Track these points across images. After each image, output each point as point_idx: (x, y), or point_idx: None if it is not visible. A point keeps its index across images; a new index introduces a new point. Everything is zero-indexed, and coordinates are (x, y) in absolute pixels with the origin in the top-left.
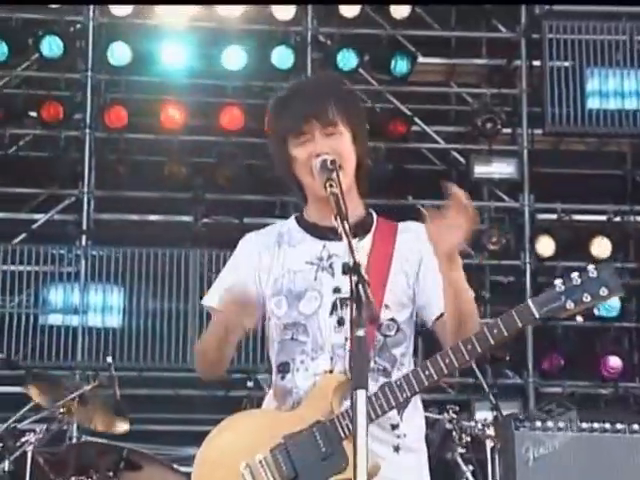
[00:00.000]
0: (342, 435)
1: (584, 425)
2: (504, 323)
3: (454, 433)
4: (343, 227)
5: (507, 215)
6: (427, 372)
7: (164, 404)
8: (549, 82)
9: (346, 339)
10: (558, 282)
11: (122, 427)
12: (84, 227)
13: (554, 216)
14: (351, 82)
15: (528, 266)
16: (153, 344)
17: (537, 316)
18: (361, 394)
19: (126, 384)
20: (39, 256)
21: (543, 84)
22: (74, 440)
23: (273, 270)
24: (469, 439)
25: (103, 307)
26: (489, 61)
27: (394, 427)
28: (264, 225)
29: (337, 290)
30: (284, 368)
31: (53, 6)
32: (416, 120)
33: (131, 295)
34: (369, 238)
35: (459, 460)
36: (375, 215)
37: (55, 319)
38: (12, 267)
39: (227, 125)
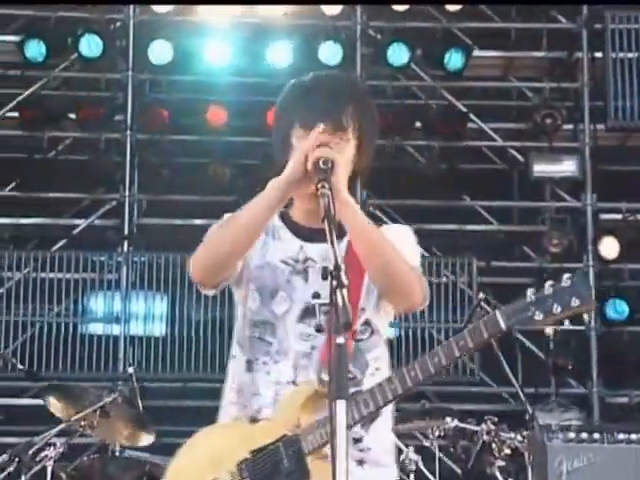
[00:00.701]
0: (306, 451)
1: (620, 436)
2: (470, 334)
3: (493, 445)
4: (330, 231)
5: (569, 215)
6: (391, 385)
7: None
8: (612, 75)
9: (312, 348)
10: (530, 292)
11: (146, 440)
12: (125, 232)
13: (618, 216)
14: (403, 78)
15: (591, 269)
16: (197, 354)
17: (503, 327)
18: (341, 405)
19: (170, 395)
20: (79, 263)
21: (606, 77)
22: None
23: (257, 253)
24: (509, 451)
25: (146, 315)
26: (549, 53)
27: (357, 440)
28: None
29: (316, 296)
30: (248, 366)
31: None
32: (472, 117)
33: (174, 303)
34: (346, 240)
35: (497, 474)
36: None
37: (96, 328)
38: (51, 274)
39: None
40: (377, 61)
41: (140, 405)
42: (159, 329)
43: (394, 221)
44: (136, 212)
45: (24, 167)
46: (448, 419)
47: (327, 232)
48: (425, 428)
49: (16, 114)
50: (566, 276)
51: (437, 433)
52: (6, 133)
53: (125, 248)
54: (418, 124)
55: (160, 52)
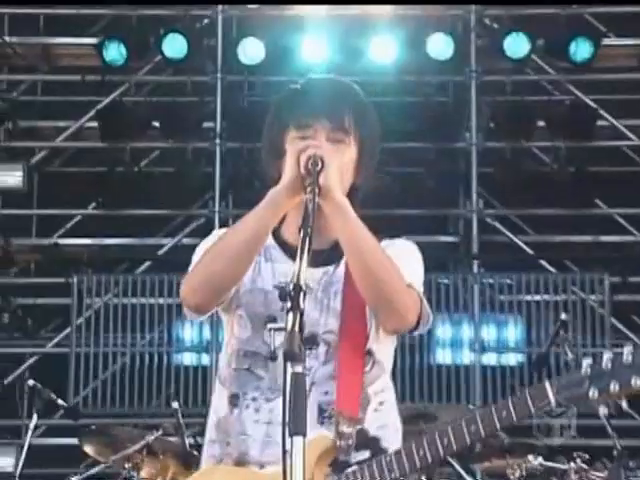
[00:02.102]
0: None
1: None
2: (514, 405)
3: None
4: (302, 241)
5: None
6: (421, 452)
7: None
8: None
9: (312, 384)
10: (585, 363)
11: None
12: None
13: None
14: (523, 72)
15: None
16: None
17: (553, 403)
18: (298, 442)
19: None
20: (163, 286)
21: None
22: None
23: (247, 275)
24: None
25: None
26: None
27: None
28: (424, 245)
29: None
30: (233, 401)
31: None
32: (602, 113)
33: None
34: (343, 264)
35: None
36: None
37: (188, 358)
38: (133, 300)
39: None
40: (494, 53)
41: (187, 441)
42: None
43: (518, 233)
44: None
45: (104, 182)
46: (531, 457)
47: (300, 241)
48: (505, 467)
49: (95, 124)
50: (628, 349)
51: (518, 473)
52: (85, 145)
53: None
54: (541, 123)
55: (251, 51)
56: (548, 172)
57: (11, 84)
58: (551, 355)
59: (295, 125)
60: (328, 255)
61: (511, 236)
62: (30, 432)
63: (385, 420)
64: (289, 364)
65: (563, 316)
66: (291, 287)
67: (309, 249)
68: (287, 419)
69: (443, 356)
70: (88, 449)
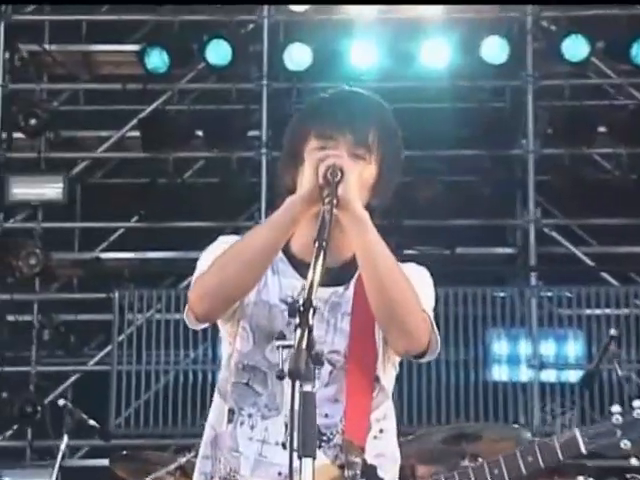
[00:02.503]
0: None
1: None
2: (542, 452)
3: None
4: (316, 255)
5: None
6: None
7: None
8: None
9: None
10: (616, 411)
11: None
12: None
13: None
14: (583, 75)
15: None
16: None
17: (583, 451)
18: (308, 465)
19: None
20: None
21: None
22: None
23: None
24: None
25: None
26: None
27: None
28: (480, 257)
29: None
30: (229, 416)
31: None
32: None
33: None
34: (353, 283)
35: None
36: None
37: None
38: (177, 315)
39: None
40: (551, 57)
41: None
42: None
43: (578, 243)
44: None
45: (147, 193)
46: (581, 478)
47: (314, 254)
48: None
49: (137, 133)
50: None
51: None
52: (126, 155)
53: None
54: (602, 129)
55: (298, 56)
56: (609, 179)
57: (51, 93)
58: (601, 372)
59: (317, 135)
60: (337, 275)
61: (570, 247)
62: (60, 453)
63: (383, 449)
64: (297, 383)
65: (612, 331)
66: (301, 302)
67: (323, 263)
68: (296, 440)
69: (499, 373)
70: (120, 472)
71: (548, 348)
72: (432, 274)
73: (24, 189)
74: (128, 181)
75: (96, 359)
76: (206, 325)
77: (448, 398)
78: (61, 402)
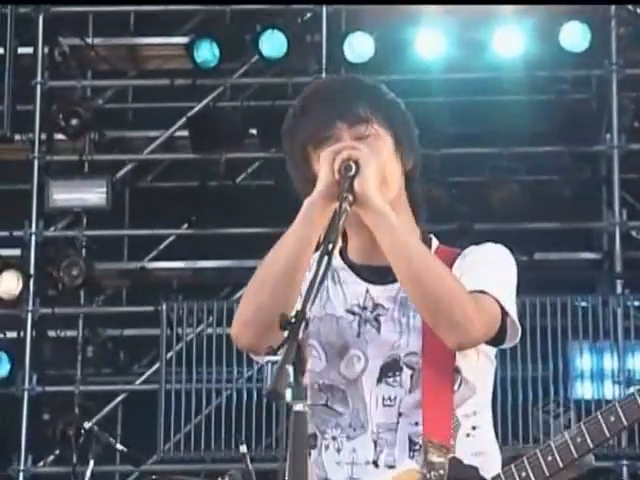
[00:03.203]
0: None
1: None
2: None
3: None
4: (317, 264)
5: None
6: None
7: None
8: None
9: (399, 415)
10: None
11: None
12: None
13: None
14: None
15: None
16: None
17: None
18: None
19: None
20: None
21: None
22: None
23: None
24: None
25: None
26: None
27: None
28: (560, 263)
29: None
30: (310, 442)
31: None
32: None
33: None
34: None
35: None
36: (436, 243)
37: None
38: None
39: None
40: (638, 43)
41: None
42: None
43: None
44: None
45: (197, 198)
46: None
47: (317, 261)
48: None
49: (186, 133)
50: None
51: None
52: (175, 157)
53: None
54: None
55: (359, 47)
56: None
57: (95, 91)
58: None
59: (310, 145)
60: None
61: None
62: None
63: (480, 446)
64: (292, 402)
65: None
66: (293, 313)
67: (328, 266)
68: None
69: (582, 390)
70: None
71: (636, 362)
72: None
73: (65, 194)
74: (177, 185)
75: (143, 377)
76: (261, 356)
77: (524, 416)
78: (86, 425)
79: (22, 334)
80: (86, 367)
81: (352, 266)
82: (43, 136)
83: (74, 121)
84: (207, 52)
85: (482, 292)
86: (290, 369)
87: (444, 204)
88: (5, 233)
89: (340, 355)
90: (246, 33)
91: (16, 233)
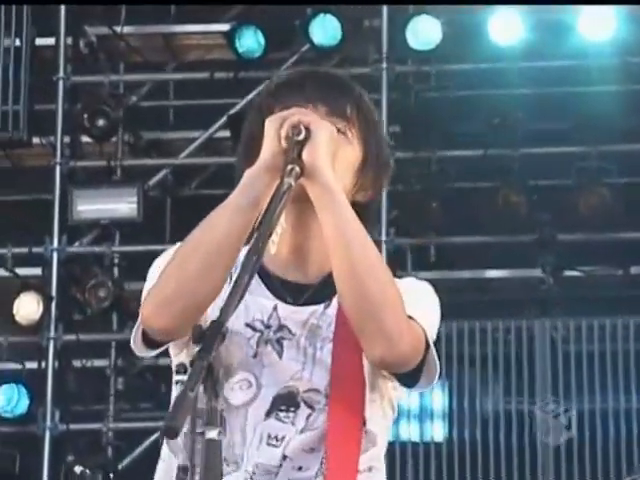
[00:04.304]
0: None
1: None
2: None
3: None
4: (249, 252)
5: None
6: None
7: None
8: None
9: (284, 459)
10: None
11: None
12: None
13: None
14: None
15: None
16: (486, 462)
17: None
18: None
19: None
20: None
21: None
22: None
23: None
24: None
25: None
26: None
27: None
28: None
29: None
30: (180, 475)
31: None
32: None
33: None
34: (336, 303)
35: None
36: None
37: (414, 432)
38: None
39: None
40: None
41: None
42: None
43: None
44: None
45: None
46: None
47: (249, 247)
48: None
49: (227, 133)
50: None
51: None
52: (216, 161)
53: None
54: None
55: (425, 32)
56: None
57: (129, 86)
58: None
59: (283, 109)
60: (317, 292)
61: None
62: None
63: None
64: (205, 429)
65: None
66: (208, 324)
67: (257, 260)
68: None
69: None
70: None
71: None
72: (601, 299)
73: (92, 205)
74: (225, 192)
75: None
76: (159, 349)
77: (630, 452)
78: (77, 470)
79: (43, 364)
80: (117, 401)
81: (264, 275)
82: (66, 139)
83: (101, 121)
84: (251, 41)
85: (411, 317)
86: (195, 395)
87: (523, 212)
88: (23, 250)
89: (227, 375)
90: (295, 18)
91: (36, 249)
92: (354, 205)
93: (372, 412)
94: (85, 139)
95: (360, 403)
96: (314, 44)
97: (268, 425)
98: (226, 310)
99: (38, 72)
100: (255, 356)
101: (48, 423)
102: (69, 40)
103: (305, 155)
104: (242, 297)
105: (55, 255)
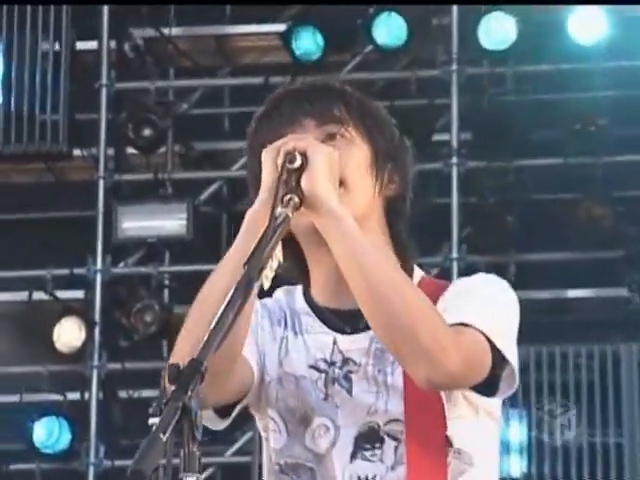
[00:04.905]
0: None
1: None
2: None
3: None
4: (234, 291)
5: None
6: None
7: None
8: None
9: None
10: None
11: None
12: None
13: None
14: None
15: None
16: None
17: None
18: None
19: None
20: None
21: None
22: None
23: (271, 357)
24: None
25: None
26: None
27: None
28: None
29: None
30: None
31: None
32: None
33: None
34: None
35: None
36: (420, 274)
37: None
38: None
39: None
40: None
41: None
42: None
43: None
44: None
45: None
46: None
47: (236, 283)
48: None
49: None
50: None
51: None
52: None
53: None
54: None
55: (498, 31)
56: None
57: (179, 93)
58: None
59: (272, 139)
60: None
61: None
62: None
63: None
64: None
65: None
66: (185, 362)
67: (243, 302)
68: None
69: None
70: None
71: None
72: None
73: (138, 222)
74: None
75: (235, 447)
76: (226, 419)
77: None
78: None
79: (86, 395)
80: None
81: (316, 309)
82: (109, 151)
83: (147, 131)
84: (309, 42)
85: (464, 325)
86: (168, 438)
87: (607, 225)
88: (64, 271)
89: (304, 424)
90: (356, 18)
91: (77, 271)
92: (385, 202)
93: (460, 429)
94: (130, 151)
95: (440, 423)
96: (378, 45)
97: (356, 467)
98: (205, 349)
99: (79, 79)
100: (326, 398)
101: (92, 459)
102: (112, 43)
103: (304, 183)
104: (225, 336)
105: (98, 277)
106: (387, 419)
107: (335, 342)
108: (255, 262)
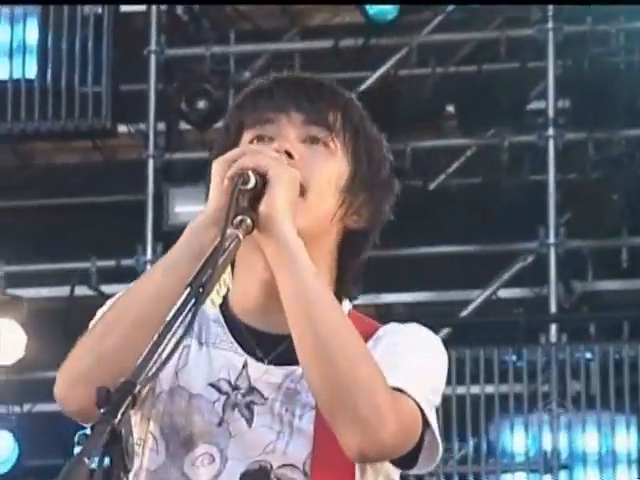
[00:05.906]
0: None
1: None
2: None
3: None
4: (177, 311)
5: None
6: None
7: None
8: None
9: None
10: None
11: None
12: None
13: None
14: None
15: None
16: None
17: None
18: None
19: None
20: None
21: None
22: None
23: (167, 367)
24: None
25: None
26: None
27: None
28: None
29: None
30: None
31: None
32: None
33: None
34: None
35: None
36: (348, 308)
37: None
38: None
39: None
40: None
41: None
42: None
43: None
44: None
45: None
46: None
47: (176, 306)
48: None
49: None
50: None
51: None
52: None
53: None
54: None
55: None
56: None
57: (239, 60)
58: None
59: (251, 123)
60: (293, 349)
61: None
62: None
63: None
64: None
65: None
66: (118, 385)
67: (192, 319)
68: None
69: None
70: None
71: None
72: None
73: (191, 206)
74: None
75: None
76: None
77: None
78: None
79: None
80: None
81: (232, 323)
82: (160, 126)
83: (202, 104)
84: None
85: (400, 390)
86: (92, 463)
87: None
88: (109, 263)
89: (187, 448)
90: None
91: (125, 262)
92: (343, 231)
93: None
94: (183, 126)
95: (350, 476)
96: (461, 2)
97: None
98: (138, 370)
99: (124, 45)
100: (220, 424)
101: None
102: (163, 6)
103: (262, 207)
104: (164, 366)
105: (148, 268)
106: (282, 462)
107: (245, 366)
108: (200, 284)
